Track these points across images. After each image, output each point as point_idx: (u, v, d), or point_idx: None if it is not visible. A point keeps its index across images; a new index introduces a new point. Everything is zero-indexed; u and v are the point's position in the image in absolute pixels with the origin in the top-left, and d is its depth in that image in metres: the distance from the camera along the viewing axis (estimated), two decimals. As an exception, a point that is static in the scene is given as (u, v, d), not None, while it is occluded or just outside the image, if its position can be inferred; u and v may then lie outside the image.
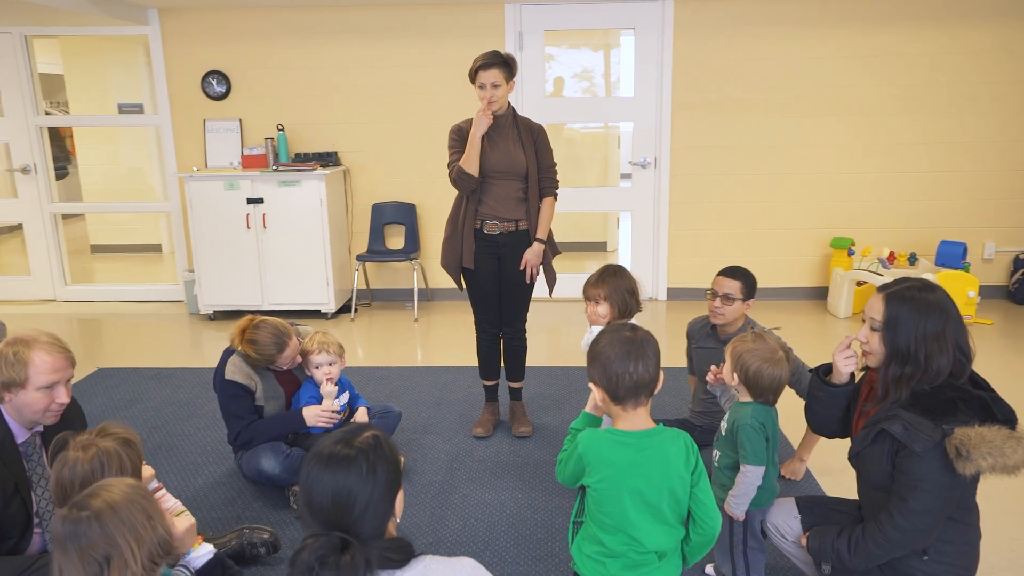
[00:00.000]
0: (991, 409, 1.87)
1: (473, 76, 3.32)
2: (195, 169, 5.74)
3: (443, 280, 6.05)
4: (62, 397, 2.17)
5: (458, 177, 3.37)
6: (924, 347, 1.89)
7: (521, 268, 3.47)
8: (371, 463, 1.35)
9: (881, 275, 5.21)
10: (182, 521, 2.08)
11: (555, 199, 3.55)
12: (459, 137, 3.43)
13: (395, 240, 6.03)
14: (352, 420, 3.18)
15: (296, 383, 3.14)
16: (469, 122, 3.44)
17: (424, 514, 2.91)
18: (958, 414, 1.84)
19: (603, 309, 2.66)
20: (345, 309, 5.85)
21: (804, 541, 2.14)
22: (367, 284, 6.12)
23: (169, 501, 2.13)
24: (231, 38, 5.75)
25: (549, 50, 7.15)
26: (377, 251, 5.87)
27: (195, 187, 5.46)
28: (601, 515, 1.60)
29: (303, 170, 5.41)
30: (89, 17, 5.39)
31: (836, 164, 5.73)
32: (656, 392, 1.63)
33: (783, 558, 2.45)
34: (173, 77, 5.85)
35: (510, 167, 3.39)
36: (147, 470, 2.11)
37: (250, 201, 5.44)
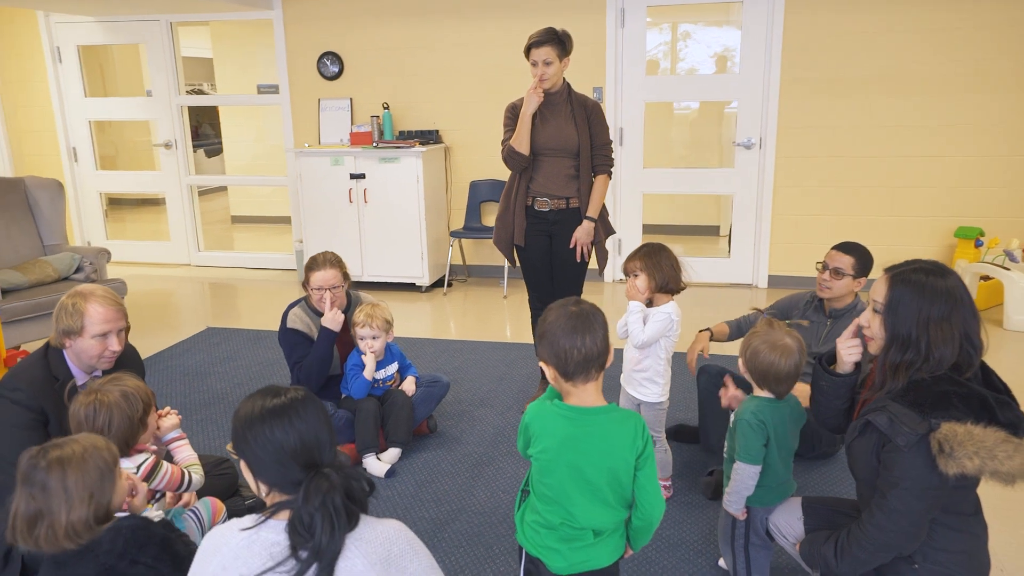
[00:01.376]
0: (993, 410, 1.69)
1: (527, 53, 3.32)
2: (306, 145, 6.11)
3: (536, 259, 6.09)
4: (114, 345, 2.42)
5: (508, 155, 3.40)
6: (927, 333, 1.73)
7: (571, 246, 3.45)
8: (315, 405, 1.46)
9: (1008, 269, 4.72)
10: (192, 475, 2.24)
11: (609, 177, 3.49)
12: (513, 115, 3.45)
13: (491, 217, 6.13)
14: (400, 388, 3.31)
15: (351, 346, 3.30)
16: (522, 100, 3.44)
17: (456, 482, 3.00)
18: (951, 409, 1.68)
19: (641, 282, 2.64)
20: (440, 283, 6.04)
21: (798, 547, 2.03)
22: (463, 260, 6.27)
23: (184, 452, 2.31)
24: (345, 21, 6.03)
25: (651, 27, 6.96)
26: (473, 228, 6.00)
27: (305, 162, 5.82)
28: (541, 486, 1.61)
29: (402, 147, 5.62)
30: (223, 5, 5.85)
31: (963, 146, 5.21)
32: (607, 366, 1.61)
33: (793, 557, 2.33)
34: (293, 59, 6.23)
35: (561, 144, 3.38)
36: (171, 419, 2.33)
37: (353, 176, 5.72)
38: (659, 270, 2.61)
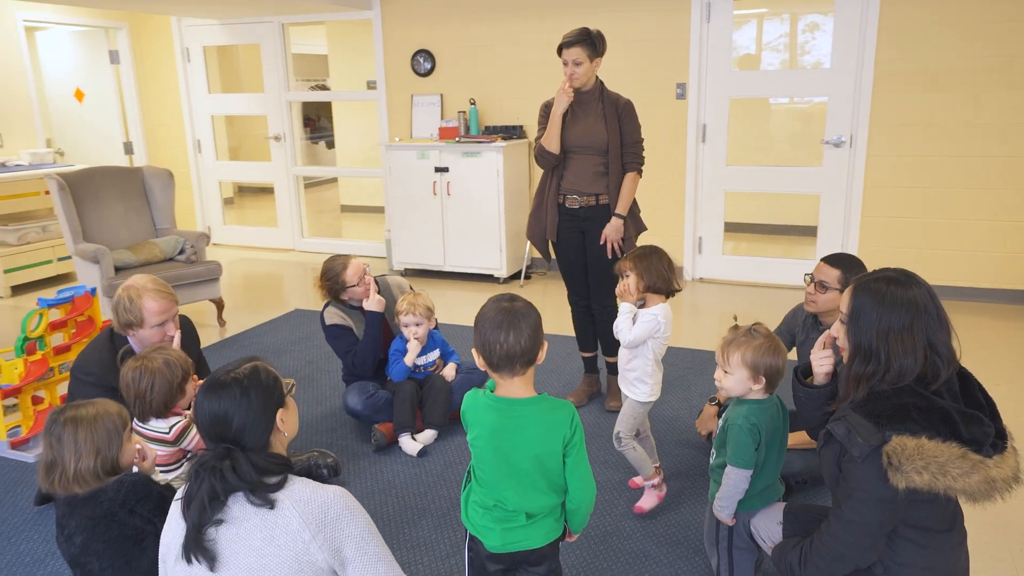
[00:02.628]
0: (956, 424, 1.63)
1: (559, 52, 3.38)
2: (397, 139, 6.40)
3: (614, 254, 6.11)
4: (171, 331, 2.72)
5: (539, 153, 3.49)
6: (886, 344, 1.70)
7: (601, 243, 3.49)
8: (244, 388, 1.57)
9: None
10: None
11: (639, 175, 3.51)
12: (546, 112, 3.52)
13: (572, 212, 6.19)
14: (440, 373, 3.48)
15: (392, 335, 3.50)
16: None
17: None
18: (908, 422, 1.64)
19: (631, 283, 2.63)
20: (518, 275, 6.18)
21: (771, 551, 2.02)
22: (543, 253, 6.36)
23: None
24: (437, 19, 6.27)
25: (738, 22, 6.76)
26: (552, 222, 6.08)
27: (393, 155, 6.11)
28: (478, 470, 1.71)
29: (483, 142, 5.79)
30: (328, 6, 6.23)
31: (1081, 146, 4.77)
32: (538, 363, 1.68)
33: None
34: (389, 56, 6.54)
35: (590, 142, 3.43)
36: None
37: (437, 170, 5.96)
38: (649, 272, 2.60)
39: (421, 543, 2.61)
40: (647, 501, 2.74)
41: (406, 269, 6.36)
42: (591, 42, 3.36)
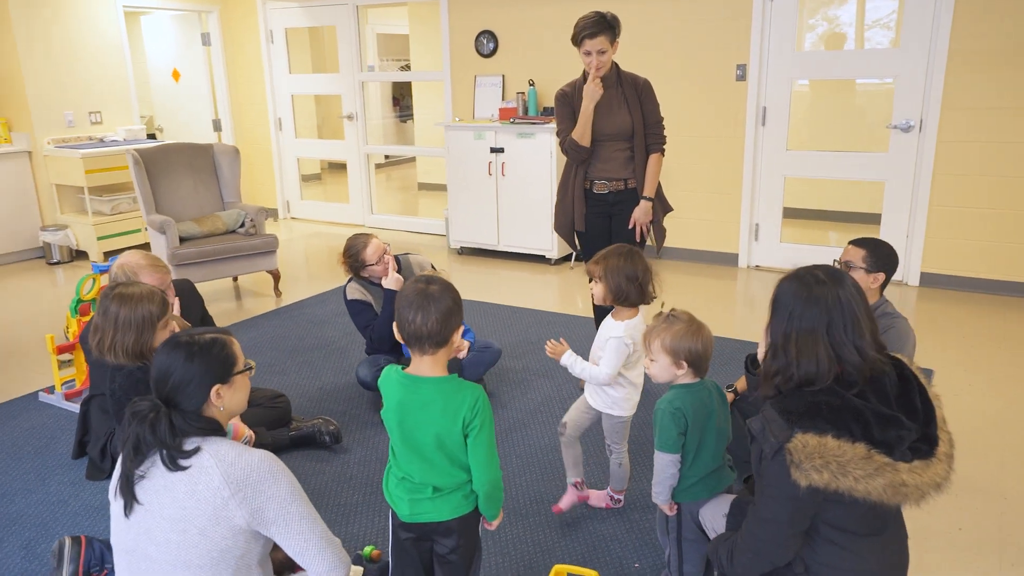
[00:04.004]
0: (869, 426, 1.58)
1: (578, 42, 3.34)
2: (457, 119, 6.51)
3: (674, 238, 6.03)
4: (170, 298, 2.93)
5: (570, 148, 3.48)
6: (793, 346, 1.66)
7: (630, 227, 3.48)
8: (191, 354, 1.68)
9: None
10: None
11: (662, 155, 3.47)
12: (565, 103, 3.50)
13: (627, 195, 6.13)
14: (453, 350, 3.58)
15: (408, 310, 3.63)
16: (573, 86, 3.49)
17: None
18: (817, 419, 1.61)
19: (597, 290, 2.50)
20: (569, 257, 6.19)
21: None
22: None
23: None
24: (502, 0, 6.30)
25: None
26: (607, 204, 6.05)
27: (452, 136, 6.22)
28: (392, 443, 1.79)
29: (536, 123, 5.81)
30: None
31: None
32: (447, 346, 1.73)
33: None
34: (454, 37, 6.64)
35: (616, 130, 3.40)
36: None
37: (493, 150, 6.03)
38: (615, 275, 2.43)
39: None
40: (566, 500, 2.64)
41: (462, 248, 6.49)
42: (610, 26, 3.33)
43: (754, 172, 5.63)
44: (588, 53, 3.33)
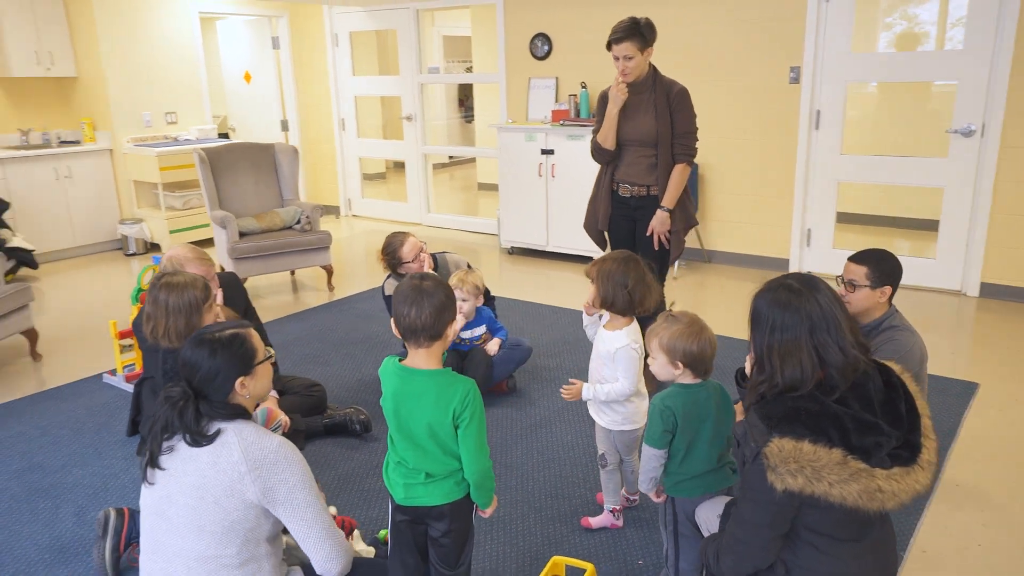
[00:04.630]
0: (847, 432, 1.60)
1: (608, 47, 3.39)
2: (509, 121, 6.61)
3: (724, 243, 5.99)
4: (214, 289, 3.11)
5: (594, 149, 3.54)
6: (776, 355, 1.69)
7: (648, 235, 3.50)
8: (214, 349, 1.82)
9: None
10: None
11: (689, 166, 3.46)
12: (602, 105, 3.55)
13: (677, 198, 6.11)
14: (484, 347, 3.68)
15: (443, 307, 3.74)
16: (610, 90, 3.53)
17: (504, 437, 3.31)
18: (796, 424, 1.64)
19: (590, 293, 2.49)
20: (618, 259, 6.20)
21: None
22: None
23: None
24: (557, 2, 6.37)
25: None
26: (656, 207, 6.05)
27: (505, 137, 6.33)
28: (390, 430, 1.90)
29: (586, 125, 5.85)
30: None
31: None
32: (440, 339, 1.82)
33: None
34: (509, 39, 6.75)
35: (640, 137, 3.43)
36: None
37: (543, 152, 6.11)
38: (605, 284, 2.40)
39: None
40: (598, 520, 2.66)
41: (512, 247, 6.59)
42: (640, 34, 3.36)
43: (807, 176, 5.53)
44: (616, 58, 3.38)
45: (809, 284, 1.71)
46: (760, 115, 5.61)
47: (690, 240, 6.01)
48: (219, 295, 3.16)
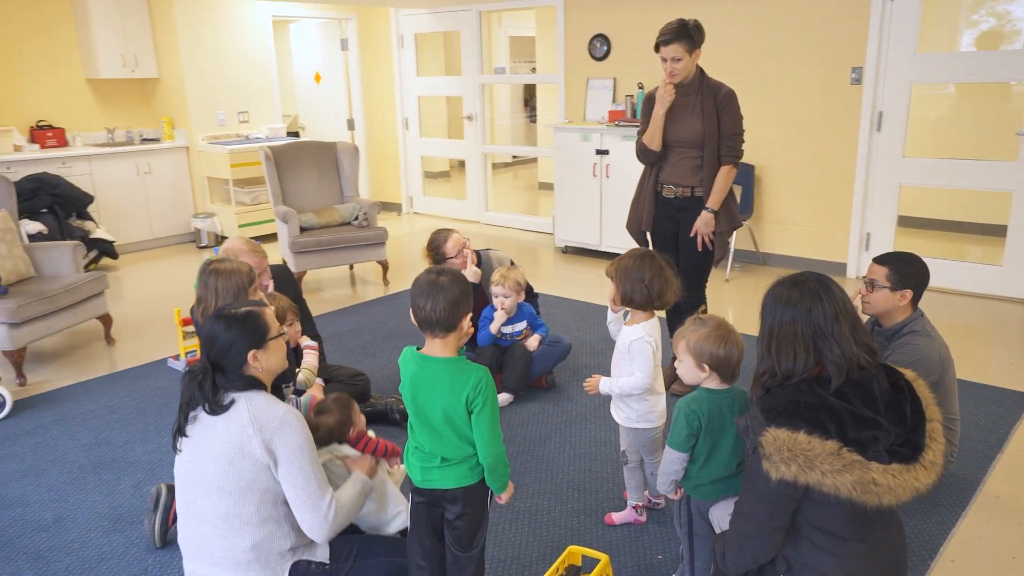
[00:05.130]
0: (845, 425, 1.64)
1: (656, 48, 3.42)
2: (566, 121, 6.66)
3: (780, 245, 5.91)
4: (265, 280, 3.29)
5: (640, 151, 3.57)
6: (775, 344, 1.76)
7: (692, 235, 3.51)
8: (229, 324, 1.99)
9: None
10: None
11: (734, 168, 3.45)
12: (649, 106, 3.57)
13: (733, 199, 6.05)
14: (525, 342, 3.76)
15: (484, 301, 3.83)
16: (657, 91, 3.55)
17: (537, 432, 3.38)
18: (794, 417, 1.68)
19: (611, 290, 2.52)
20: (671, 260, 6.18)
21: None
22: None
23: (308, 359, 3.06)
24: (617, 3, 6.39)
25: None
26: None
27: (561, 137, 6.39)
28: (409, 416, 1.99)
29: (639, 126, 5.84)
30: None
31: None
32: (455, 331, 1.90)
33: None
34: (569, 40, 6.80)
35: (686, 138, 3.44)
36: (296, 326, 3.11)
37: (598, 152, 6.14)
38: (624, 279, 2.43)
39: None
40: (621, 516, 2.70)
41: (566, 247, 6.64)
42: (688, 35, 3.37)
43: (867, 179, 5.40)
44: (664, 60, 3.40)
45: (818, 281, 1.76)
46: (819, 116, 5.51)
47: (745, 242, 5.96)
48: (270, 285, 3.33)
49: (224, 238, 7.25)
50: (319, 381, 3.30)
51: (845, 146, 5.43)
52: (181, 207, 7.30)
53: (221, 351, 2.00)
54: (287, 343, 2.99)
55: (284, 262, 5.47)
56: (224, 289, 2.69)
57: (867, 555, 1.75)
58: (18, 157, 6.23)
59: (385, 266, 5.77)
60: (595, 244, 6.38)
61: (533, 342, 3.76)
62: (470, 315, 1.95)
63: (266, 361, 2.05)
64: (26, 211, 5.75)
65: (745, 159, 5.86)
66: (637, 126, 5.81)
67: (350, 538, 2.16)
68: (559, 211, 6.58)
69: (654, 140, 3.51)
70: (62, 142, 6.79)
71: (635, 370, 2.46)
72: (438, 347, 1.93)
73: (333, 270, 6.17)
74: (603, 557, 2.26)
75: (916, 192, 5.57)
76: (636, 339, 2.46)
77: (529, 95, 11.70)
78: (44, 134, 6.69)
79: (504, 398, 3.62)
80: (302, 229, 5.53)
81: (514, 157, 12.11)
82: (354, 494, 2.13)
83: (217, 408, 1.94)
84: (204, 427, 1.96)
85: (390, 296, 5.47)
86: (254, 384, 2.02)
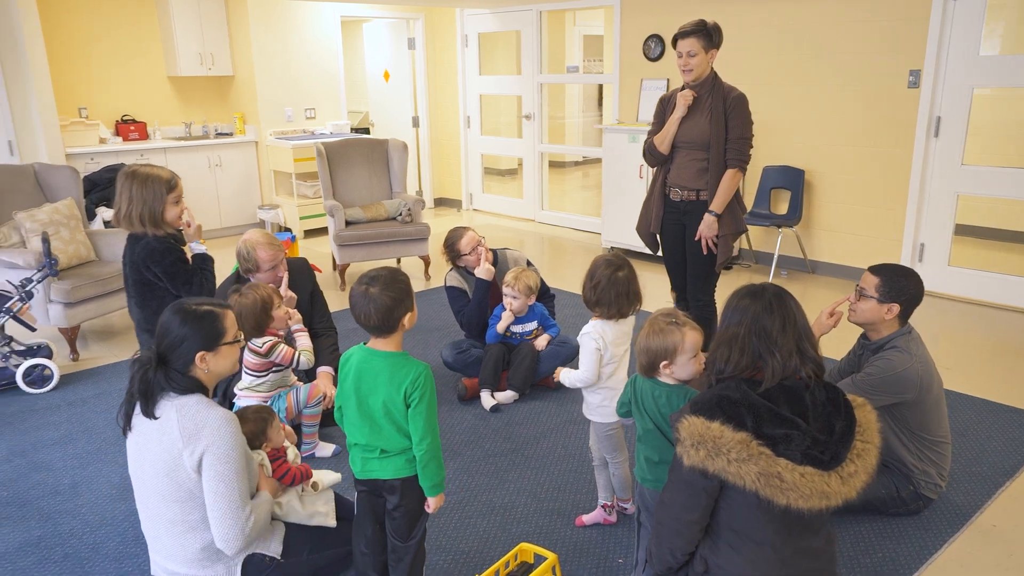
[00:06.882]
0: (761, 420, 1.70)
1: (673, 44, 3.41)
2: (615, 122, 6.62)
3: (829, 253, 5.72)
4: (280, 272, 3.43)
5: (647, 151, 3.56)
6: (716, 345, 1.84)
7: (696, 239, 3.46)
8: (185, 318, 1.99)
9: None
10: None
11: (740, 172, 3.39)
12: (661, 109, 3.56)
13: (783, 205, 5.89)
14: (534, 342, 3.80)
15: (498, 298, 3.88)
16: (675, 93, 3.52)
17: (533, 431, 3.42)
18: (714, 410, 1.74)
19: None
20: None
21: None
22: (749, 245, 6.16)
23: (302, 340, 3.19)
24: (673, 4, 6.32)
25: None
26: (759, 214, 5.86)
27: (610, 138, 6.37)
28: (347, 418, 2.07)
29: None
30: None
31: None
32: (396, 331, 1.98)
33: None
34: (625, 40, 6.76)
35: (692, 139, 3.41)
36: (296, 315, 3.26)
37: (645, 154, 6.08)
38: (588, 283, 2.49)
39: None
40: (591, 517, 2.73)
41: (612, 247, 6.62)
42: (707, 33, 3.36)
43: (921, 187, 5.16)
44: (680, 55, 3.39)
45: (775, 294, 1.81)
46: (874, 120, 5.29)
47: (793, 248, 5.79)
48: (285, 277, 3.50)
49: (287, 229, 7.59)
50: (328, 370, 3.44)
51: (900, 152, 5.19)
52: (248, 198, 7.68)
53: (171, 345, 1.97)
54: (280, 326, 3.17)
55: (330, 261, 5.68)
56: (138, 194, 2.89)
57: (785, 563, 1.74)
58: (100, 149, 6.71)
59: (427, 261, 5.92)
60: (639, 246, 6.32)
61: (541, 342, 3.80)
62: (410, 314, 2.02)
63: (214, 365, 2.01)
64: (103, 199, 6.19)
65: (795, 163, 5.71)
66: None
67: (304, 532, 2.22)
68: (606, 212, 6.56)
69: (664, 143, 3.49)
70: (143, 136, 7.25)
71: (580, 364, 2.52)
72: (382, 344, 2.02)
73: (378, 263, 6.36)
74: (551, 556, 2.30)
75: (975, 199, 5.27)
76: (584, 334, 2.51)
77: (602, 95, 11.64)
78: (127, 128, 7.17)
79: (508, 395, 3.68)
80: (348, 223, 5.74)
81: (584, 157, 12.08)
82: (264, 510, 2.10)
83: (149, 413, 1.93)
84: (142, 429, 1.95)
85: (429, 291, 5.60)
86: (194, 386, 1.98)
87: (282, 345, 3.14)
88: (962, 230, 5.35)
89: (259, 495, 2.12)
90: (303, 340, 3.24)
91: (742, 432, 1.67)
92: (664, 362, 2.09)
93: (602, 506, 2.71)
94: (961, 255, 5.31)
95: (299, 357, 3.15)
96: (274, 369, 3.18)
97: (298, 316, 3.28)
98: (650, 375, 2.14)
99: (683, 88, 3.53)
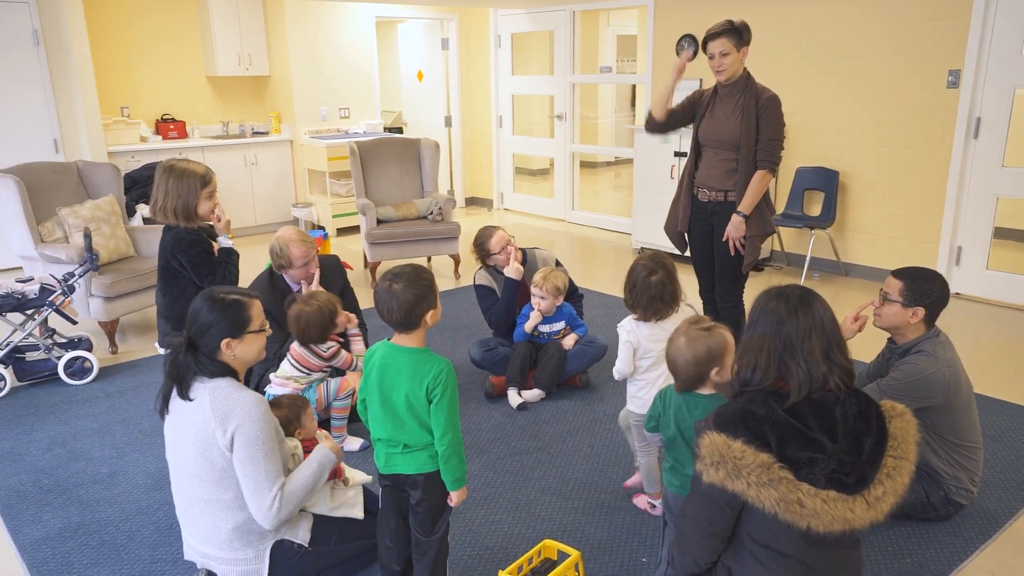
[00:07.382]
0: (784, 440, 1.64)
1: (704, 46, 3.39)
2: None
3: (863, 256, 5.65)
4: (312, 269, 3.49)
5: (647, 119, 3.64)
6: (742, 352, 1.79)
7: (723, 240, 3.45)
8: (212, 306, 2.08)
9: None
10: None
11: (770, 173, 3.37)
12: (691, 97, 3.57)
13: (815, 206, 5.82)
14: (561, 341, 3.81)
15: (527, 297, 3.90)
16: (707, 90, 3.52)
17: (559, 429, 3.43)
18: (737, 425, 1.69)
19: None
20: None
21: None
22: (781, 247, 6.10)
23: (358, 345, 3.27)
24: (706, 3, 6.28)
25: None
26: (792, 215, 5.80)
27: (640, 139, 6.35)
28: (368, 410, 2.10)
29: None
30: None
31: None
32: (418, 327, 2.00)
33: None
34: (658, 40, 6.74)
35: (722, 137, 3.39)
36: (354, 319, 3.30)
37: (677, 154, 6.06)
38: (627, 287, 2.59)
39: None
40: (634, 479, 2.86)
41: (642, 248, 6.60)
42: (736, 31, 3.36)
43: (959, 189, 5.06)
44: (711, 56, 3.38)
45: (800, 296, 1.75)
46: (911, 121, 5.21)
47: (826, 250, 5.73)
48: (316, 274, 3.56)
49: (320, 227, 7.69)
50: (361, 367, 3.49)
51: (938, 153, 5.10)
52: (283, 196, 7.80)
53: (199, 331, 2.07)
54: (340, 330, 3.21)
55: (365, 260, 5.74)
56: (174, 187, 3.00)
57: (811, 573, 1.72)
58: (141, 147, 6.88)
59: (457, 260, 5.96)
60: (669, 247, 6.28)
61: (569, 341, 3.81)
62: (433, 311, 2.05)
63: (240, 351, 2.10)
64: (143, 197, 6.34)
65: (829, 164, 5.65)
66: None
67: (332, 523, 2.28)
68: (637, 212, 6.54)
69: (657, 106, 3.55)
70: (182, 134, 7.41)
71: (618, 355, 2.63)
72: (404, 339, 2.05)
73: (408, 261, 6.40)
74: (574, 553, 2.31)
75: (1014, 202, 5.16)
76: (620, 327, 2.64)
77: (635, 95, 11.59)
78: (167, 127, 7.34)
79: (534, 394, 3.70)
80: (380, 221, 5.80)
81: (615, 157, 12.04)
82: (307, 474, 2.15)
83: (184, 395, 2.04)
84: (178, 412, 2.07)
85: (458, 289, 5.64)
86: (223, 371, 2.08)
87: (343, 352, 3.21)
88: (1001, 233, 5.24)
89: (313, 453, 2.20)
90: (358, 346, 3.29)
91: (764, 454, 1.61)
92: (716, 368, 2.06)
93: (637, 467, 2.77)
94: (1000, 259, 5.19)
95: (356, 362, 3.22)
96: (324, 369, 3.22)
97: (355, 320, 3.32)
98: (695, 387, 2.12)
99: (715, 89, 3.52)
